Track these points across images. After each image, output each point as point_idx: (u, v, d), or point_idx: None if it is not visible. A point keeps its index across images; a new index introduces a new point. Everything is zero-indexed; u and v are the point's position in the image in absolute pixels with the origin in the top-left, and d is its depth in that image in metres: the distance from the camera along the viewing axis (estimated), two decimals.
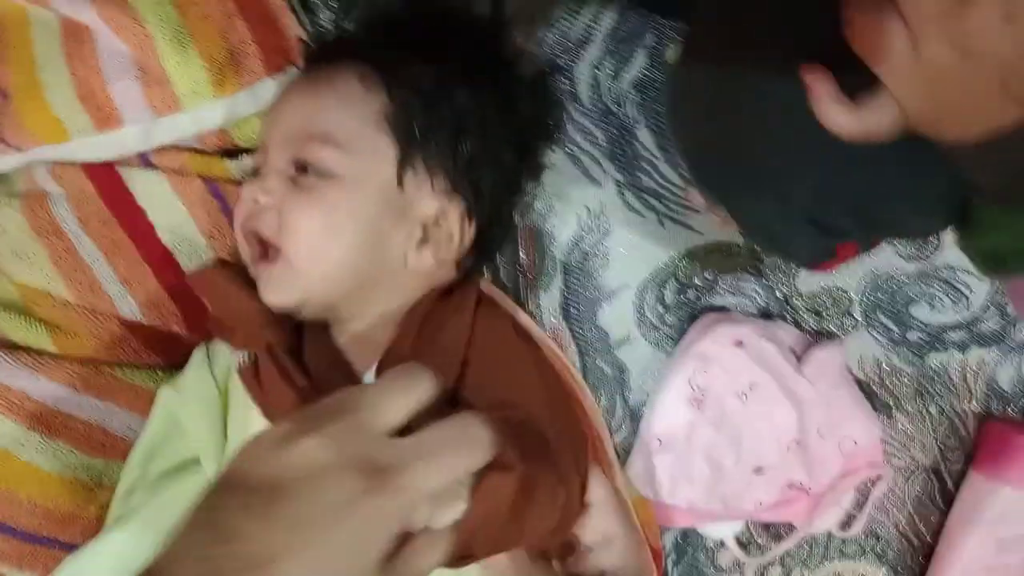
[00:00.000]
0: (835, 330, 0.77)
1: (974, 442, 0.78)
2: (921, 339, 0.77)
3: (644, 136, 0.75)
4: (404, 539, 0.39)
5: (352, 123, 0.59)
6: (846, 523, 0.77)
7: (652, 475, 0.73)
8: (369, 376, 0.58)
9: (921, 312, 0.77)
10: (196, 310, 0.67)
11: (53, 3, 0.61)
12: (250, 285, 0.60)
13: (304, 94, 0.62)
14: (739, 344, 0.72)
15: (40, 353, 0.62)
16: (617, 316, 0.75)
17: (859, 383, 0.77)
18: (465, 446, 0.40)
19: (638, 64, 0.74)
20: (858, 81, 0.39)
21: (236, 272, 0.62)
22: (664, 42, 0.74)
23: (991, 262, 0.52)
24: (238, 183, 0.66)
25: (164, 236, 0.65)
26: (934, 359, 0.78)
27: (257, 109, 0.65)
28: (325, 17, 0.72)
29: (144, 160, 0.65)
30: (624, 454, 0.75)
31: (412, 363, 0.42)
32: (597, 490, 0.56)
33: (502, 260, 0.75)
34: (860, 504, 0.77)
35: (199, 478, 0.61)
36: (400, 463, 0.38)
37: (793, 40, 0.43)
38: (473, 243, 0.64)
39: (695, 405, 0.73)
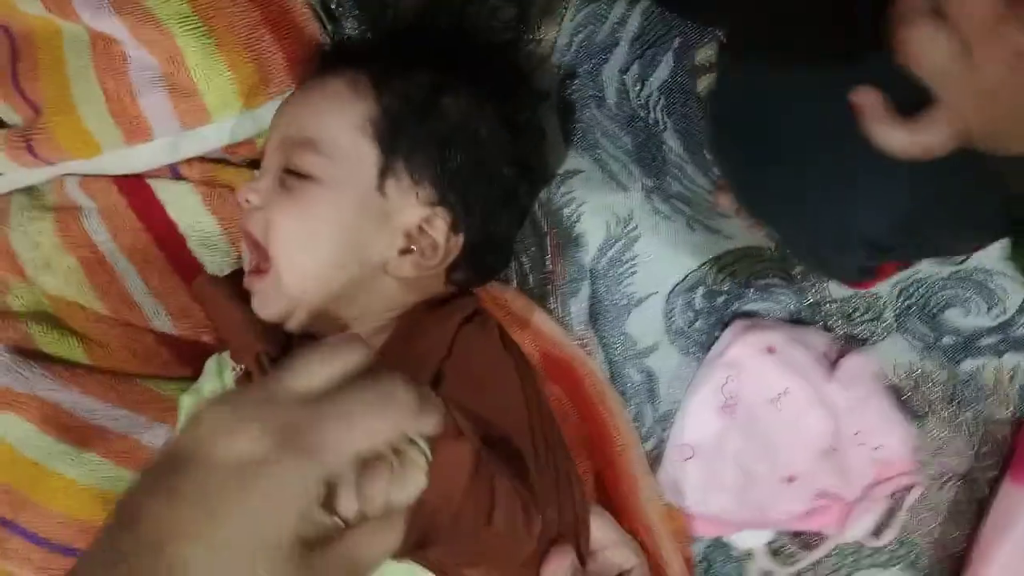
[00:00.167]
0: (867, 335, 0.76)
1: (1008, 448, 0.77)
2: (955, 344, 0.76)
3: (671, 140, 0.74)
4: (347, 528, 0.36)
5: (334, 128, 0.60)
6: (878, 531, 0.76)
7: (682, 484, 0.73)
8: None
9: (955, 317, 0.76)
10: None
11: (83, 18, 0.61)
12: (243, 296, 0.61)
13: (298, 100, 0.63)
14: (770, 350, 0.72)
15: (73, 365, 0.63)
16: (646, 323, 0.75)
17: (892, 389, 0.76)
18: (387, 404, 0.36)
19: (664, 68, 0.74)
20: (911, 97, 0.38)
21: (230, 283, 0.62)
22: (690, 45, 0.74)
23: None
24: None
25: (195, 247, 0.65)
26: (968, 364, 0.76)
27: None
28: (350, 26, 0.72)
29: (174, 172, 0.66)
30: (654, 463, 0.74)
31: (346, 334, 0.40)
32: (610, 534, 0.55)
33: (530, 268, 0.74)
34: (892, 512, 0.76)
35: None
36: (311, 422, 0.35)
37: (840, 60, 0.42)
38: (465, 256, 0.63)
39: (726, 413, 0.73)
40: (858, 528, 0.75)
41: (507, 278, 0.74)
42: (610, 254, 0.74)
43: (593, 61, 0.74)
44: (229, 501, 0.33)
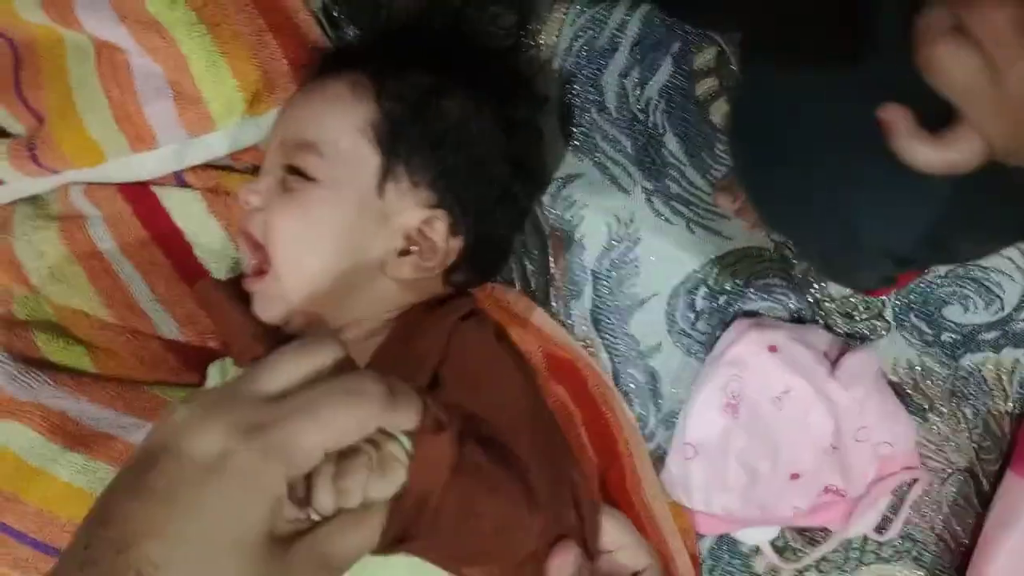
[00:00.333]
0: (867, 333, 0.76)
1: (1010, 442, 0.78)
2: (954, 340, 0.77)
3: (671, 143, 0.75)
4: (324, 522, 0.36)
5: (335, 130, 0.60)
6: (882, 527, 0.77)
7: (687, 482, 0.73)
8: None
9: (954, 313, 0.77)
10: None
11: (87, 26, 0.61)
12: (245, 299, 0.61)
13: (299, 102, 0.63)
14: (772, 349, 0.72)
15: (79, 373, 0.63)
16: (648, 324, 0.75)
17: (893, 385, 0.76)
18: (354, 399, 0.36)
19: (664, 72, 0.74)
20: (936, 112, 0.38)
21: (232, 286, 0.62)
22: (690, 49, 0.75)
23: None
24: None
25: (200, 254, 0.65)
26: (968, 360, 0.77)
27: None
28: (352, 32, 0.73)
29: (179, 179, 0.66)
30: (657, 462, 0.75)
31: (320, 332, 0.39)
32: (624, 535, 0.55)
33: (532, 270, 0.75)
34: (896, 507, 0.77)
35: None
36: (276, 419, 0.35)
37: (865, 75, 0.42)
38: (463, 257, 0.63)
39: (729, 411, 0.73)
40: (862, 524, 0.75)
41: (510, 280, 0.75)
42: (612, 256, 0.75)
43: (593, 66, 0.75)
44: (196, 497, 0.33)
